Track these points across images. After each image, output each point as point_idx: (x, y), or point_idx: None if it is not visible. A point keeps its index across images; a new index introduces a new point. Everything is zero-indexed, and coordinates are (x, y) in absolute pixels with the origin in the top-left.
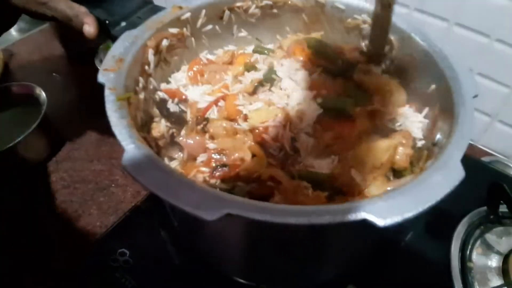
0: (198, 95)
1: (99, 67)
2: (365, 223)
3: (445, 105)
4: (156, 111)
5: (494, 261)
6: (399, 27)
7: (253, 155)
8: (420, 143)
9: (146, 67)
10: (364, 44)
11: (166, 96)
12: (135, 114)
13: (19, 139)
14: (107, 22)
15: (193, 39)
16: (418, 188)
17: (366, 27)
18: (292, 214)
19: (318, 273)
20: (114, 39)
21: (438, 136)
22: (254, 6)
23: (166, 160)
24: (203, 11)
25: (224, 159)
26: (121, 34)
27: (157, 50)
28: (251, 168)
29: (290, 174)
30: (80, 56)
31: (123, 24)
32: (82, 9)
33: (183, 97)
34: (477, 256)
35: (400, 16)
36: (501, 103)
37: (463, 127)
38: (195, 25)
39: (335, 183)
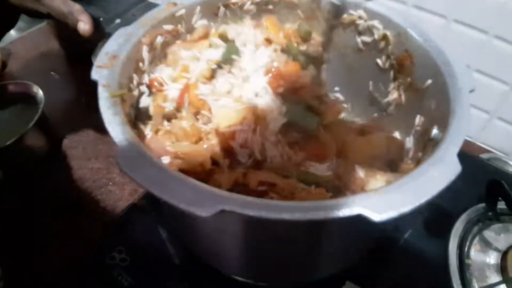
0: (168, 81)
1: None
2: (360, 218)
3: (441, 100)
4: None
5: (492, 258)
6: (395, 22)
7: (214, 162)
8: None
9: (141, 64)
10: (360, 40)
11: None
12: (129, 111)
13: (16, 137)
14: (101, 19)
15: (188, 36)
16: (414, 183)
17: (362, 23)
18: (287, 210)
19: (316, 270)
20: (108, 36)
21: (435, 131)
22: (249, 2)
23: None
24: (198, 8)
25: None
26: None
27: (152, 47)
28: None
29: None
30: (78, 54)
31: (118, 21)
32: (76, 7)
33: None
34: (475, 253)
35: (396, 11)
36: (500, 100)
37: (459, 121)
38: (190, 21)
39: (338, 182)
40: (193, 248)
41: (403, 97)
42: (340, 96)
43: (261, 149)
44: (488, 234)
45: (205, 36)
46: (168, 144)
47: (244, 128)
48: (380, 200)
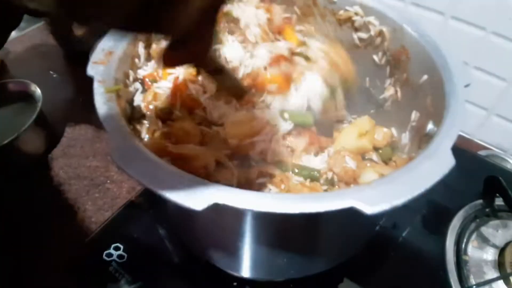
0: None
1: None
2: (352, 210)
3: (436, 95)
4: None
5: (490, 254)
6: (391, 18)
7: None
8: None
9: (136, 60)
10: (356, 36)
11: None
12: (124, 107)
13: (15, 136)
14: None
15: None
16: (408, 176)
17: (359, 19)
18: (280, 203)
19: (311, 264)
20: (105, 33)
21: (430, 126)
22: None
23: None
24: None
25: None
26: None
27: (148, 43)
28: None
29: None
30: (76, 53)
31: None
32: None
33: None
34: (472, 250)
35: (392, 7)
36: (498, 96)
37: (454, 115)
38: None
39: (331, 175)
40: (189, 244)
41: (399, 93)
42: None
43: (273, 153)
44: (486, 230)
45: None
46: (169, 145)
47: (263, 138)
48: (373, 193)
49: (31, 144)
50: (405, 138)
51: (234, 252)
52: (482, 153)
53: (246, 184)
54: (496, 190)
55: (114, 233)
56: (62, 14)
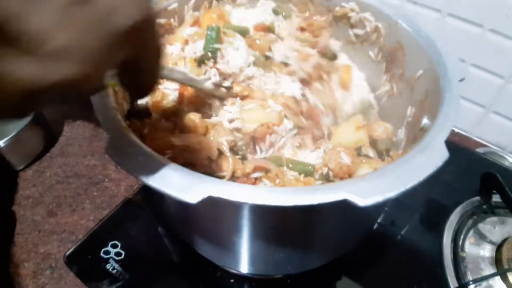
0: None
1: None
2: (346, 203)
3: (431, 90)
4: None
5: (487, 251)
6: (386, 14)
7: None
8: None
9: None
10: (352, 33)
11: None
12: (121, 103)
13: (13, 134)
14: None
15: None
16: (401, 169)
17: (354, 15)
18: (273, 196)
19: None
20: None
21: (425, 121)
22: None
23: None
24: (191, 1)
25: (190, 158)
26: None
27: None
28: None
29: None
30: None
31: None
32: None
33: None
34: (469, 246)
35: (387, 3)
36: (495, 94)
37: (448, 109)
38: (183, 15)
39: (327, 170)
40: (187, 240)
41: (395, 89)
42: None
43: (281, 147)
44: (483, 227)
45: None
46: (173, 139)
47: (278, 130)
48: (366, 185)
49: (29, 142)
50: (401, 133)
51: (230, 247)
52: (479, 150)
53: (242, 178)
54: (493, 187)
55: (112, 231)
56: None
